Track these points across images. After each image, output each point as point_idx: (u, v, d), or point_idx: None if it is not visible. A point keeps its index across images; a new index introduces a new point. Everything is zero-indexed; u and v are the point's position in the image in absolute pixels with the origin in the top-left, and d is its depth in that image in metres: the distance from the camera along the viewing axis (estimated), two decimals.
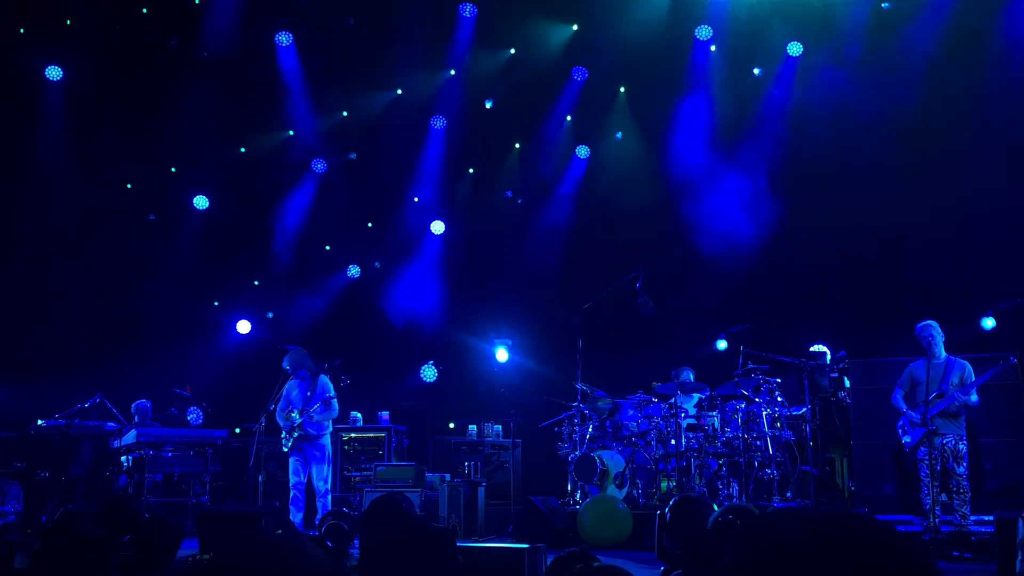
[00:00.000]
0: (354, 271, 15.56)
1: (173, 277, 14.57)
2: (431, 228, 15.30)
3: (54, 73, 13.58)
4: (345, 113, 14.87)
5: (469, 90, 14.65)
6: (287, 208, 15.12)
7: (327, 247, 15.50)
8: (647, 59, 13.84)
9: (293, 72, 14.24)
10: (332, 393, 10.87)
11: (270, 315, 15.39)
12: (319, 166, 15.11)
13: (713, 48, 13.87)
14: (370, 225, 15.54)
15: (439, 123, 14.93)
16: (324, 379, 11.04)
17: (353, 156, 15.18)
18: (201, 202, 14.93)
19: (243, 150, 14.92)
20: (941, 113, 12.66)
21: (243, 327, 15.08)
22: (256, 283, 15.26)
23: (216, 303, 15.27)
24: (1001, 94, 12.25)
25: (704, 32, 13.71)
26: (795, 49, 13.47)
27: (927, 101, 12.68)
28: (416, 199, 15.23)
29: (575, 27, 14.25)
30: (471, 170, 15.37)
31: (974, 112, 12.45)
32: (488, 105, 14.85)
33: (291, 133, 14.81)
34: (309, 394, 10.86)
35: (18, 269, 13.74)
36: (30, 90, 13.57)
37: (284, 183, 15.06)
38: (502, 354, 14.37)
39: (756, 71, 13.98)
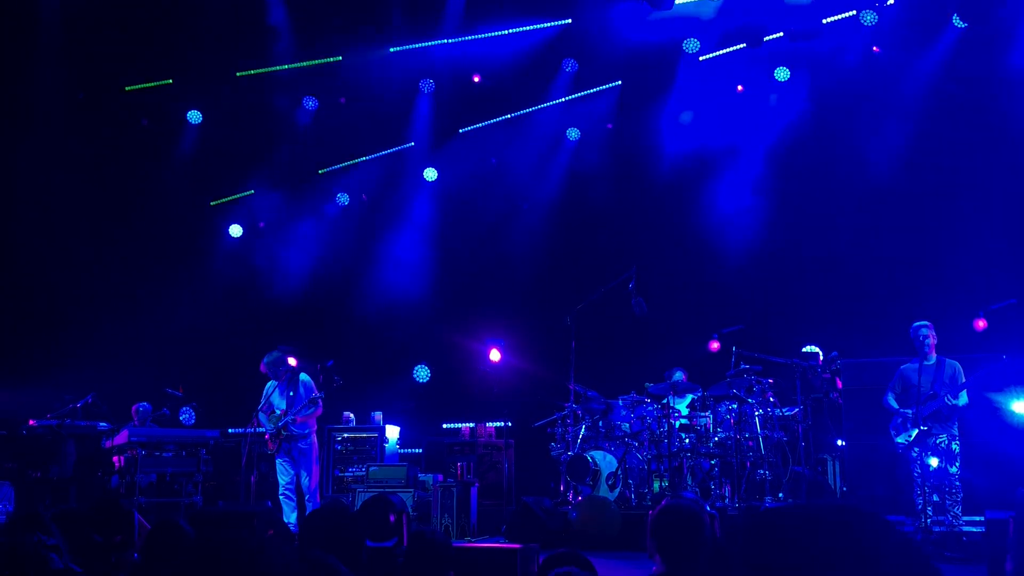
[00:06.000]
0: (343, 199, 15.79)
1: (166, 185, 14.67)
2: (424, 175, 15.46)
3: None
4: (340, 58, 14.88)
5: (460, 61, 14.70)
6: (280, 134, 15.20)
7: (319, 171, 15.61)
8: (639, 59, 13.90)
9: (283, 12, 14.34)
10: (316, 392, 10.91)
11: (262, 224, 15.62)
12: (311, 103, 15.18)
13: (702, 59, 13.95)
14: (364, 158, 15.67)
15: (427, 87, 15.02)
16: (305, 378, 11.08)
17: (343, 101, 15.22)
18: (195, 116, 14.94)
19: (238, 75, 14.89)
20: (935, 115, 12.75)
21: (235, 230, 15.43)
22: (252, 191, 15.39)
23: (211, 203, 15.51)
24: (995, 99, 12.36)
25: (692, 45, 13.78)
26: (782, 74, 13.58)
27: (921, 103, 12.77)
28: (412, 143, 15.41)
29: (569, 21, 14.29)
30: (460, 130, 15.45)
31: (968, 114, 12.54)
32: (476, 79, 14.95)
33: (287, 67, 14.84)
34: (292, 394, 10.90)
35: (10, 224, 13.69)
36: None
37: (278, 112, 15.09)
38: (495, 354, 14.38)
39: (740, 88, 14.10)
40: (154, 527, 5.18)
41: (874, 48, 13.23)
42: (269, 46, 14.44)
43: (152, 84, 14.48)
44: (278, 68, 14.73)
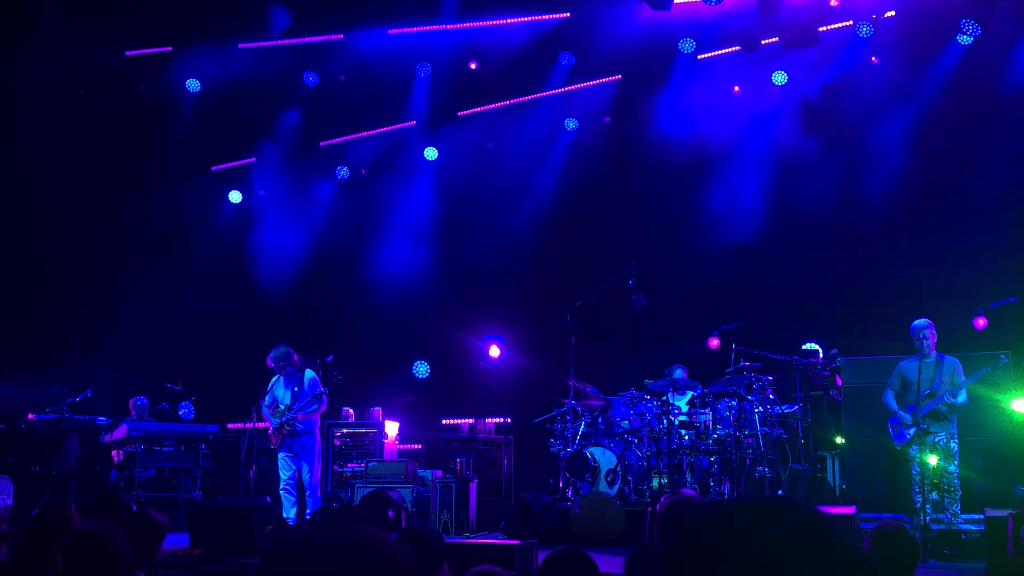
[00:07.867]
0: (343, 172, 15.80)
1: (163, 164, 14.68)
2: (425, 154, 15.46)
3: None
4: (342, 36, 14.85)
5: (458, 48, 14.68)
6: (279, 107, 15.18)
7: (320, 143, 15.61)
8: (637, 55, 13.88)
9: None
10: (321, 388, 10.92)
11: (261, 192, 15.66)
12: (311, 79, 15.15)
13: (700, 57, 13.94)
14: (364, 134, 15.66)
15: (424, 71, 15.03)
16: (311, 374, 11.07)
17: (343, 78, 15.20)
18: (193, 84, 14.93)
19: (239, 47, 14.84)
20: (935, 114, 12.76)
21: (235, 196, 15.55)
22: (253, 159, 15.42)
23: (211, 168, 15.56)
24: (995, 100, 12.39)
25: (688, 45, 13.76)
26: (780, 78, 13.57)
27: (921, 104, 12.79)
28: (414, 122, 15.38)
29: (567, 15, 14.27)
30: (458, 113, 15.43)
31: (967, 112, 12.54)
32: (473, 66, 14.94)
33: (288, 41, 14.80)
34: (296, 389, 10.89)
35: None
36: None
37: (278, 86, 15.04)
38: (495, 350, 14.37)
39: (736, 88, 14.08)
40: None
41: (873, 59, 13.28)
42: (271, 20, 14.43)
43: (152, 51, 14.46)
44: (279, 42, 14.72)
